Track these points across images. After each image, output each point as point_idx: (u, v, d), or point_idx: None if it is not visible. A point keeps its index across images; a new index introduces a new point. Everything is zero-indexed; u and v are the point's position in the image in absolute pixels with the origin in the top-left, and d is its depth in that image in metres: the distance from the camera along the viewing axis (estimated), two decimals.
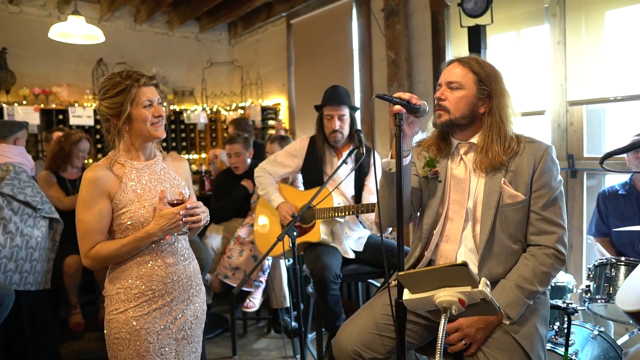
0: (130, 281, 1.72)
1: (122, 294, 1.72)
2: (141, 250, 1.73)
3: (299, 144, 3.02)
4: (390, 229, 3.01)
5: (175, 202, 1.69)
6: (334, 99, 2.86)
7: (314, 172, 2.93)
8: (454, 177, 1.83)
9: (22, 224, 2.70)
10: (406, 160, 1.71)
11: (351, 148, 2.84)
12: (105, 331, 1.75)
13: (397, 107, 1.58)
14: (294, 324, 3.46)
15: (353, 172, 2.91)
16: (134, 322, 1.70)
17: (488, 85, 1.75)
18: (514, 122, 1.78)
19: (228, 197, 3.72)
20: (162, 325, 1.74)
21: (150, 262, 1.74)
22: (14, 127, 3.30)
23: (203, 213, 1.73)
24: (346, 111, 2.86)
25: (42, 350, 2.83)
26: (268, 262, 3.45)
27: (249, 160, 3.78)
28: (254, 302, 3.47)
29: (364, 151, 2.65)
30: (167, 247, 1.77)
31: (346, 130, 2.88)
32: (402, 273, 1.27)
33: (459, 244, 1.79)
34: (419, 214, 1.96)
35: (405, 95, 1.61)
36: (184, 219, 1.67)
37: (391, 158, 1.72)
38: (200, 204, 1.75)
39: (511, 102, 1.78)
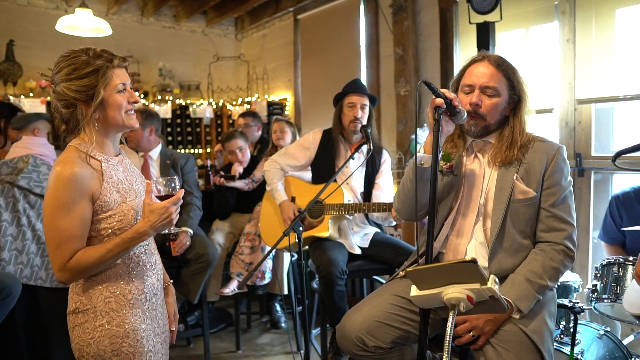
0: (122, 285, 1.54)
1: (112, 302, 1.51)
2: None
3: (312, 137, 3.03)
4: (395, 223, 3.03)
5: (164, 195, 1.53)
6: (357, 87, 2.89)
7: (326, 166, 2.92)
8: (468, 172, 1.84)
9: (36, 218, 2.66)
10: None
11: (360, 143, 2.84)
12: (83, 353, 1.50)
13: (439, 100, 1.55)
14: (282, 323, 3.61)
15: (364, 169, 2.91)
16: (135, 333, 1.52)
17: (519, 92, 1.78)
18: (529, 122, 1.82)
19: (220, 194, 3.72)
20: (153, 330, 1.60)
21: (141, 260, 1.59)
22: (31, 117, 3.18)
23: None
24: (367, 101, 2.89)
25: (66, 347, 2.83)
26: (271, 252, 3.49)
27: (248, 154, 3.79)
28: (230, 287, 3.51)
29: (372, 147, 2.66)
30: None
31: (365, 121, 2.89)
32: (410, 269, 1.27)
33: (470, 238, 1.80)
34: None
35: (450, 94, 1.58)
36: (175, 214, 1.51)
37: (424, 153, 1.70)
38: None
39: (530, 103, 1.81)
